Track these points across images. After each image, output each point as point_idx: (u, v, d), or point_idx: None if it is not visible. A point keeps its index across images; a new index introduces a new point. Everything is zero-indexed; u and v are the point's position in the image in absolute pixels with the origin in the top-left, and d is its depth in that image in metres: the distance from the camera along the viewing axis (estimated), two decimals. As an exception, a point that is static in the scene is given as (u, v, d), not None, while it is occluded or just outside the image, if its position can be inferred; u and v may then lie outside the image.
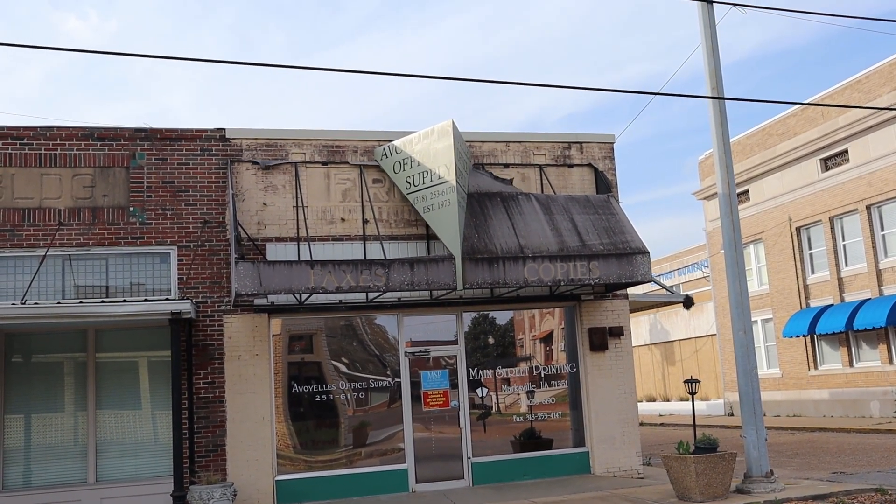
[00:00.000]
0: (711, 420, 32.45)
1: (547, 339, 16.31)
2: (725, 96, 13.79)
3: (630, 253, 14.38)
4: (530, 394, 15.84)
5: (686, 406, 38.33)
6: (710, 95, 13.76)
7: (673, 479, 12.64)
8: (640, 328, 42.75)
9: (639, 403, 41.97)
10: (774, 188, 31.70)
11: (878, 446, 19.54)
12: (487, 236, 14.29)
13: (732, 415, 34.05)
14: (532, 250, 14.12)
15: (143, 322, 13.01)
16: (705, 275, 37.82)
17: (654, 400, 41.69)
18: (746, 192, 33.34)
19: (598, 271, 14.10)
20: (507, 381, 15.79)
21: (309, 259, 13.77)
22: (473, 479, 15.07)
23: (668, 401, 40.13)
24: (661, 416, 37.79)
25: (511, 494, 14.01)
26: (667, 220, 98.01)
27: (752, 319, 32.49)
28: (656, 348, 41.88)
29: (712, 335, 36.47)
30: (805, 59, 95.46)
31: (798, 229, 30.75)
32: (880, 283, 27.15)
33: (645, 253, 14.41)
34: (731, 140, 33.72)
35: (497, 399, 15.76)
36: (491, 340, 16.01)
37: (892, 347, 26.96)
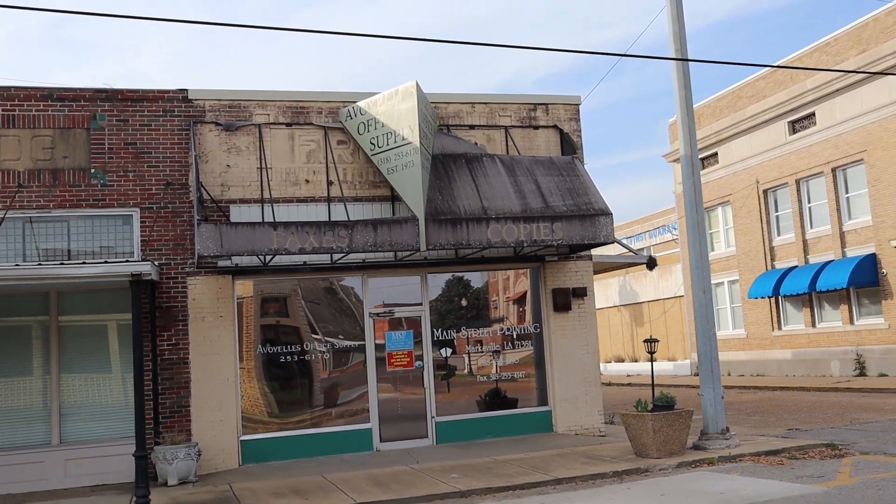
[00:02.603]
0: (678, 380, 32.96)
1: (512, 300, 16.46)
2: (688, 58, 13.84)
3: (593, 214, 14.49)
4: (495, 354, 16.02)
5: (657, 366, 38.90)
6: (673, 57, 13.81)
7: (631, 437, 12.90)
8: (610, 290, 43.16)
9: (607, 364, 42.61)
10: (743, 150, 31.93)
11: (835, 404, 20.00)
12: (451, 198, 14.33)
13: (698, 374, 34.55)
14: (495, 211, 14.20)
15: (104, 284, 12.96)
16: (675, 237, 38.17)
17: (622, 360, 42.24)
18: (715, 154, 33.57)
19: (562, 232, 14.22)
20: (471, 342, 15.94)
21: (272, 220, 13.75)
22: (437, 438, 15.28)
23: (636, 361, 40.69)
24: (628, 375, 38.33)
25: (474, 452, 14.25)
26: (642, 182, 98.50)
27: (719, 281, 32.99)
28: (625, 310, 42.34)
29: (680, 297, 36.91)
30: (780, 23, 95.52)
31: (765, 192, 31.06)
32: (843, 245, 27.56)
33: (608, 214, 14.53)
34: (701, 102, 33.94)
35: (462, 360, 15.93)
36: (456, 301, 16.13)
37: (853, 308, 27.46)
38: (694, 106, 35.16)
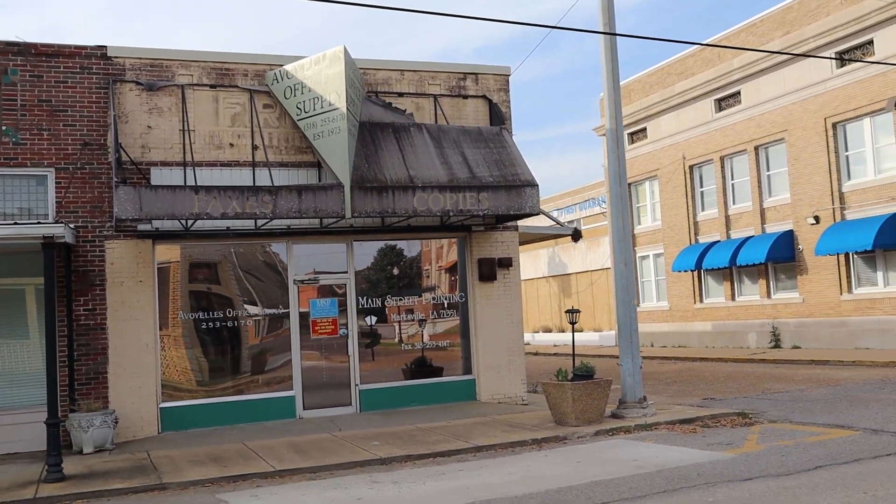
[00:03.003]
0: (603, 350, 33.58)
1: (440, 270, 16.49)
2: (616, 32, 13.93)
3: (519, 185, 14.56)
4: (422, 323, 16.07)
5: (580, 336, 39.50)
6: (601, 31, 13.88)
7: (551, 405, 13.11)
8: (539, 261, 43.61)
9: (535, 334, 43.17)
10: (671, 126, 32.44)
11: (749, 374, 20.66)
12: (377, 166, 14.22)
13: (623, 345, 35.32)
14: (422, 180, 14.15)
15: (17, 247, 12.50)
16: (603, 210, 38.69)
17: (550, 331, 42.82)
18: (644, 129, 34.05)
19: (488, 202, 14.26)
20: (398, 311, 15.94)
21: (193, 184, 13.46)
22: (361, 406, 15.29)
23: (563, 331, 41.30)
24: (556, 346, 38.85)
25: (396, 420, 14.31)
26: (577, 155, 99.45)
27: (645, 254, 33.63)
28: (554, 281, 42.87)
29: (607, 269, 37.47)
30: (714, 2, 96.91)
31: (691, 167, 31.67)
32: (763, 222, 28.33)
33: (534, 185, 14.62)
34: (632, 78, 34.26)
35: (389, 328, 15.93)
36: (384, 270, 16.09)
37: (771, 283, 28.32)
38: (625, 81, 35.60)
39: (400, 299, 15.95)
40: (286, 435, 13.39)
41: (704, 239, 30.94)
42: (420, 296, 16.11)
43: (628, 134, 34.95)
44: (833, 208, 25.59)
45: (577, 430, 12.42)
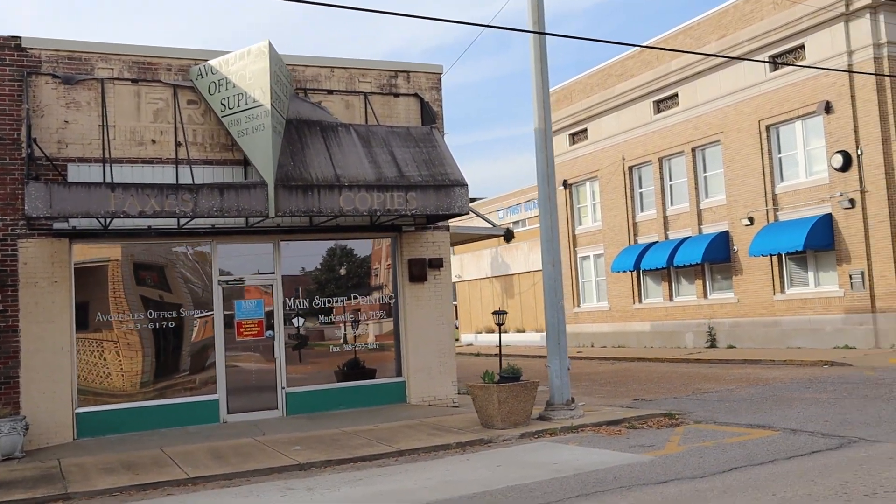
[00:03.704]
0: (544, 351, 33.59)
1: (369, 270, 16.24)
2: (545, 31, 13.84)
3: (448, 185, 14.39)
4: (351, 324, 15.81)
5: (523, 337, 39.65)
6: (529, 30, 13.78)
7: (478, 408, 12.95)
8: (482, 261, 43.58)
9: (478, 335, 43.12)
10: (611, 128, 32.62)
11: (683, 374, 20.79)
12: (303, 164, 13.93)
13: (564, 346, 35.41)
14: (349, 179, 13.89)
15: (-80, 245, 11.97)
16: (545, 211, 38.76)
17: (493, 331, 42.76)
18: (585, 130, 34.18)
19: (416, 202, 14.06)
20: (327, 312, 15.65)
21: (110, 181, 13.02)
22: (287, 410, 14.97)
23: (506, 332, 41.32)
24: (497, 346, 38.83)
25: (323, 424, 14.02)
26: (527, 155, 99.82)
27: (586, 255, 33.78)
28: (497, 281, 42.87)
29: (549, 269, 37.56)
30: (661, 7, 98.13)
31: (630, 168, 31.88)
32: (700, 222, 28.62)
33: (463, 185, 14.46)
34: (573, 79, 34.38)
35: (316, 330, 15.63)
36: (312, 270, 15.79)
37: (707, 283, 28.63)
38: (566, 82, 35.70)
39: (329, 300, 15.66)
40: (208, 440, 13.02)
41: (643, 240, 31.17)
42: (350, 297, 15.84)
43: (570, 135, 35.07)
44: (766, 209, 25.95)
45: (503, 432, 12.28)
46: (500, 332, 14.31)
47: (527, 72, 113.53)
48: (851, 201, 23.41)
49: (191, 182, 13.50)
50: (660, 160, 30.37)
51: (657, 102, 30.45)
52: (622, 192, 32.12)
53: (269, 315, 15.11)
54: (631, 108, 31.51)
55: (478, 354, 35.54)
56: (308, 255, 15.73)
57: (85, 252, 14.10)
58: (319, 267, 15.86)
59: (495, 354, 34.78)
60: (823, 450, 9.58)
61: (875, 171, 22.91)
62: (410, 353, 15.82)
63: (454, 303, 48.70)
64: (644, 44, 28.68)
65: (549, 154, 13.74)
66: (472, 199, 61.34)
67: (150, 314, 14.31)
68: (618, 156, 32.21)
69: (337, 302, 15.72)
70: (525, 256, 39.48)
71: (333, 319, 15.69)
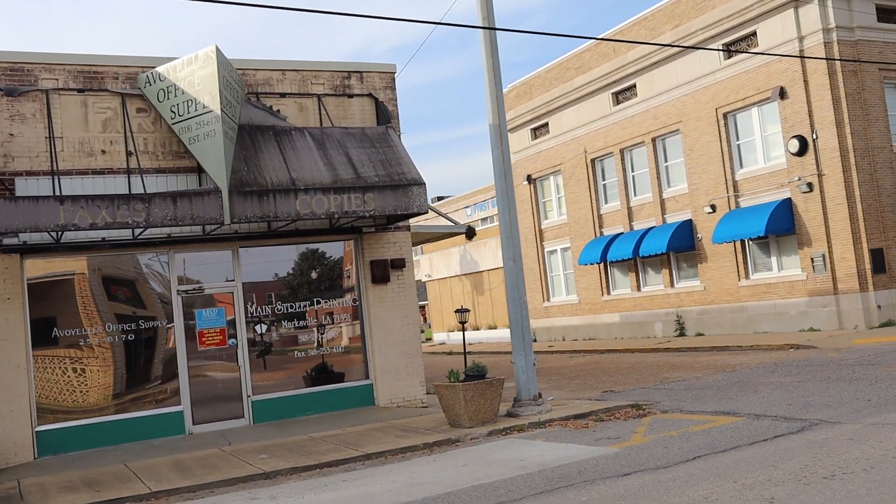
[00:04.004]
0: (514, 346, 33.60)
1: (331, 273, 16.08)
2: (495, 27, 13.78)
3: (406, 184, 14.28)
4: (315, 328, 15.66)
5: (494, 334, 39.63)
6: (479, 26, 13.71)
7: (444, 407, 12.86)
8: (451, 259, 43.51)
9: (450, 333, 43.02)
10: (572, 121, 32.68)
11: (652, 364, 20.86)
12: (258, 169, 13.75)
13: (535, 340, 35.46)
14: (305, 183, 13.73)
15: None
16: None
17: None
18: (546, 124, 34.21)
19: (374, 203, 13.94)
20: (291, 317, 15.48)
21: (58, 194, 12.76)
22: (254, 418, 14.79)
23: (477, 329, 41.28)
24: (470, 344, 38.77)
25: (290, 430, 13.87)
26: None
27: (553, 248, 33.84)
28: (466, 279, 42.82)
29: (517, 265, 37.57)
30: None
31: (593, 161, 31.95)
32: (664, 212, 28.75)
33: (421, 184, 14.36)
34: (533, 73, 34.39)
35: (280, 335, 15.46)
36: (273, 276, 15.61)
37: (673, 272, 28.78)
38: (526, 77, 35.72)
39: (292, 306, 15.50)
40: (173, 452, 12.81)
41: (609, 231, 31.26)
42: (313, 301, 15.68)
43: (531, 129, 35.09)
44: (728, 196, 26.14)
45: (470, 431, 12.20)
46: (463, 331, 14.23)
47: (475, 70, 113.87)
48: (809, 185, 23.63)
49: (142, 192, 13.27)
50: (621, 151, 30.47)
51: (616, 94, 30.55)
52: (586, 184, 32.20)
53: (232, 323, 14.92)
54: (591, 101, 31.59)
55: (450, 353, 35.49)
56: (269, 260, 15.55)
57: (39, 267, 13.82)
58: (281, 272, 15.68)
59: (468, 352, 34.80)
60: (785, 434, 9.61)
61: (831, 154, 23.14)
62: (377, 356, 15.70)
63: (425, 302, 48.61)
64: (600, 36, 28.82)
65: (504, 150, 13.68)
66: (441, 198, 61.37)
67: (110, 328, 14.05)
68: (580, 149, 32.29)
69: (300, 307, 15.56)
70: (493, 253, 39.44)
71: (297, 325, 15.53)
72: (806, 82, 23.59)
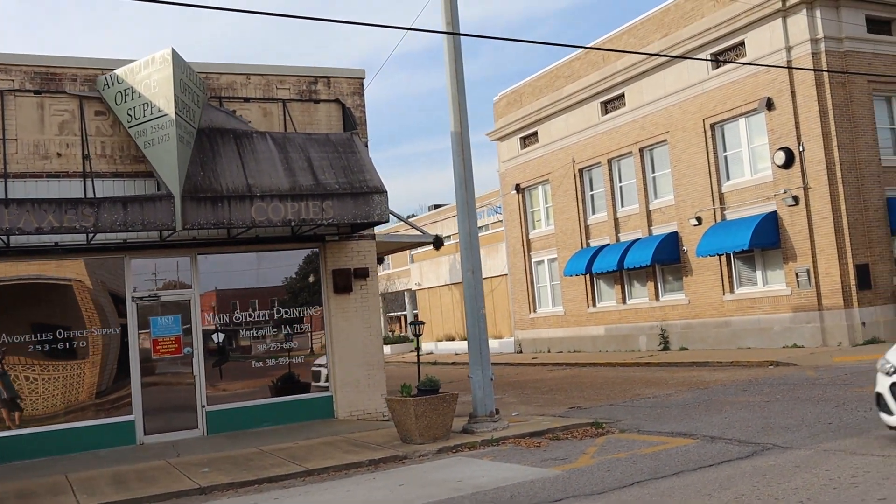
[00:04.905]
0: (501, 357, 33.26)
1: (292, 281, 15.74)
2: (459, 32, 13.46)
3: (367, 192, 13.95)
4: (275, 338, 15.31)
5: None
6: (443, 31, 13.39)
7: (396, 422, 12.51)
8: (441, 268, 43.16)
9: (438, 343, 42.64)
10: (560, 130, 32.34)
11: (628, 379, 20.46)
12: (214, 174, 13.43)
13: (521, 352, 35.08)
14: (261, 189, 13.41)
15: None
16: (500, 217, 38.44)
17: (453, 339, 42.37)
18: (535, 133, 33.88)
19: (332, 211, 13.62)
20: (249, 326, 15.15)
21: (3, 197, 12.46)
22: (208, 429, 14.44)
23: (451, 339, 41.02)
24: (457, 354, 38.41)
25: (243, 442, 13.53)
26: (486, 161, 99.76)
27: (540, 259, 33.48)
28: (456, 288, 42.43)
29: (506, 275, 37.25)
30: (633, 8, 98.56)
31: (581, 171, 31.60)
32: (650, 224, 28.38)
33: (382, 192, 14.02)
34: (523, 81, 34.06)
35: (238, 345, 15.13)
36: (233, 283, 15.29)
37: (658, 285, 28.38)
38: (516, 85, 35.39)
39: (251, 314, 15.17)
40: (118, 464, 12.47)
41: (595, 242, 30.89)
42: (274, 310, 15.35)
43: (520, 138, 34.78)
44: (714, 209, 25.76)
45: (420, 448, 11.84)
46: (417, 344, 13.85)
47: (481, 79, 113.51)
48: (795, 198, 23.26)
49: (100, 195, 12.96)
50: (609, 161, 30.12)
51: (604, 103, 30.21)
52: (573, 194, 31.84)
53: (188, 331, 14.58)
54: (579, 110, 31.25)
55: (434, 363, 35.10)
56: (229, 268, 15.22)
57: (-9, 271, 13.51)
58: (241, 280, 15.36)
59: (453, 363, 34.43)
60: (734, 459, 9.23)
61: (817, 167, 22.77)
62: (337, 367, 15.35)
63: (415, 311, 48.25)
64: (586, 45, 28.49)
65: (466, 158, 13.35)
66: (437, 206, 60.91)
67: (62, 334, 13.73)
68: (568, 158, 31.94)
69: (260, 316, 15.23)
70: (483, 262, 39.08)
71: (256, 334, 15.19)
72: (793, 93, 23.23)
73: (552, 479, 9.06)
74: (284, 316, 15.40)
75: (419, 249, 40.72)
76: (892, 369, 9.18)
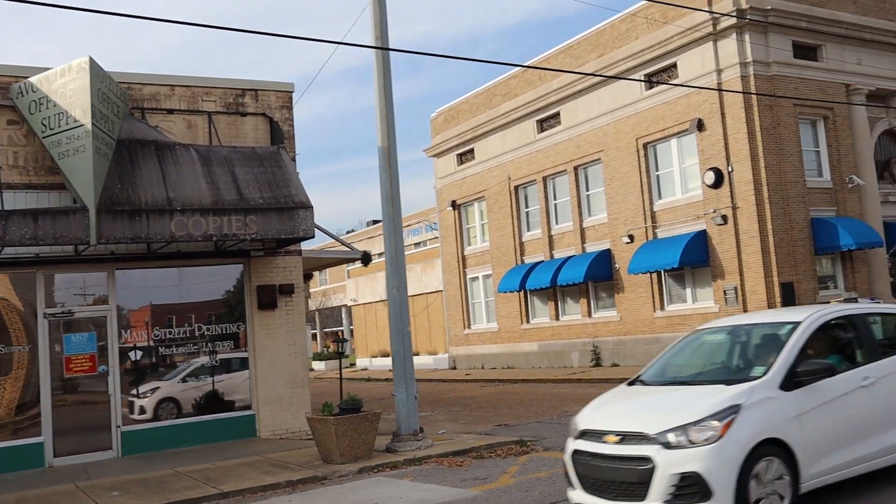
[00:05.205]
0: (436, 374, 33.15)
1: (215, 298, 15.38)
2: (389, 47, 13.34)
3: (292, 207, 13.70)
4: (197, 356, 14.91)
5: (419, 360, 38.97)
6: (372, 45, 13.26)
7: (318, 442, 12.25)
8: (377, 284, 42.84)
9: (373, 359, 42.26)
10: (497, 147, 32.44)
11: (559, 396, 20.48)
12: (132, 187, 13.04)
13: (455, 368, 34.98)
14: (182, 203, 13.06)
15: None
16: (437, 234, 38.39)
17: (388, 355, 41.97)
18: (472, 150, 33.94)
19: (256, 226, 13.33)
20: (168, 343, 14.71)
21: None
22: (123, 450, 13.97)
23: (388, 356, 40.73)
24: (391, 370, 38.10)
25: (158, 464, 13.09)
26: (425, 178, 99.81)
27: (475, 275, 33.42)
28: (393, 304, 42.16)
29: (441, 291, 37.15)
30: (573, 27, 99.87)
31: (516, 188, 31.71)
32: (584, 241, 28.58)
33: (308, 207, 13.79)
34: (460, 98, 34.04)
35: (157, 363, 14.68)
36: (154, 300, 14.86)
37: (591, 302, 28.56)
38: (453, 102, 35.33)
39: (171, 331, 14.74)
40: (22, 488, 11.94)
41: (530, 259, 30.99)
42: (195, 327, 14.94)
43: (457, 155, 34.81)
44: (646, 227, 26.04)
45: (340, 468, 11.60)
46: (339, 360, 13.62)
47: (424, 96, 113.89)
48: (724, 217, 23.64)
49: (0, 208, 12.46)
50: (544, 179, 30.28)
51: (540, 121, 30.40)
52: (509, 211, 31.93)
53: (104, 349, 14.10)
54: (516, 128, 31.40)
55: (368, 379, 34.80)
56: (149, 284, 14.79)
57: None
58: (161, 296, 14.94)
59: (387, 379, 34.10)
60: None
61: (745, 187, 23.18)
62: (260, 385, 15.01)
63: (350, 327, 47.83)
64: (526, 64, 28.66)
65: (393, 174, 13.21)
66: (376, 221, 60.66)
67: (-33, 352, 13.15)
68: (504, 175, 32.04)
69: (180, 333, 14.82)
70: (418, 278, 38.95)
71: (176, 351, 14.77)
72: (723, 115, 23.65)
73: (469, 500, 8.93)
74: (206, 333, 15.02)
75: (356, 265, 40.44)
76: (578, 433, 7.80)
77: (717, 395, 7.15)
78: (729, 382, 7.46)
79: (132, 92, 14.49)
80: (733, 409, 6.90)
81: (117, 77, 13.97)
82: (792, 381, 7.30)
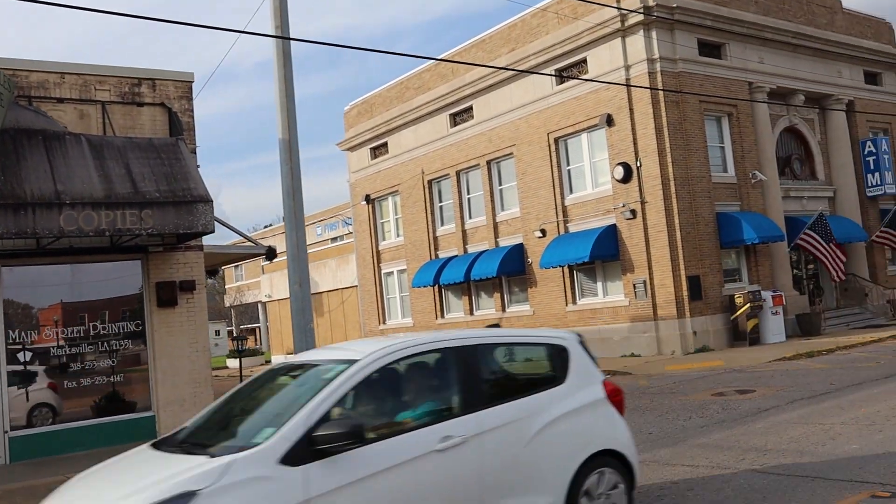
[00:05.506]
0: (350, 370, 32.72)
1: (111, 295, 14.77)
2: (290, 36, 13.01)
3: (190, 201, 13.21)
4: (92, 356, 14.28)
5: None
6: (272, 34, 12.90)
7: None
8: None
9: (288, 355, 41.60)
10: (410, 141, 32.27)
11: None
12: (18, 179, 12.37)
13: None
14: (72, 196, 12.44)
15: None
16: (351, 229, 38.03)
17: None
18: (386, 144, 33.70)
19: (152, 220, 12.80)
20: (63, 343, 14.05)
21: None
22: (12, 456, 13.28)
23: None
24: (306, 367, 37.62)
25: (50, 470, 12.46)
26: (341, 173, 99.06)
27: (389, 270, 33.19)
28: (307, 300, 41.65)
29: (356, 286, 36.82)
30: (492, 23, 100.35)
31: (430, 182, 31.61)
32: (497, 236, 28.66)
33: (207, 201, 13.32)
34: (373, 92, 33.73)
35: (50, 364, 14.01)
36: (45, 297, 14.17)
37: (505, 296, 28.68)
38: (367, 95, 34.98)
39: (65, 331, 14.09)
40: None
41: (444, 254, 30.94)
42: (90, 325, 14.31)
43: (371, 149, 34.51)
44: (557, 221, 26.25)
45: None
46: (240, 360, 13.25)
47: (341, 89, 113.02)
48: (633, 212, 23.98)
49: None
50: (457, 174, 30.25)
51: (453, 115, 30.35)
52: (423, 206, 31.81)
53: (-10, 350, 13.38)
54: (429, 122, 31.28)
55: (282, 377, 34.17)
56: (40, 281, 14.09)
57: None
58: (54, 294, 14.25)
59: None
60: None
61: (653, 182, 23.56)
62: (160, 385, 14.49)
63: (266, 323, 47.02)
64: (438, 57, 28.50)
65: (294, 166, 12.89)
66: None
67: None
68: (417, 170, 31.89)
69: (74, 332, 14.17)
70: (333, 274, 38.54)
71: (69, 351, 14.12)
72: (632, 110, 23.98)
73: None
74: (103, 332, 14.41)
75: (275, 260, 39.78)
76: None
77: (167, 479, 5.08)
78: (217, 452, 5.36)
79: (18, 79, 13.77)
80: (179, 502, 4.81)
81: (2, 63, 13.26)
82: (307, 451, 5.19)
